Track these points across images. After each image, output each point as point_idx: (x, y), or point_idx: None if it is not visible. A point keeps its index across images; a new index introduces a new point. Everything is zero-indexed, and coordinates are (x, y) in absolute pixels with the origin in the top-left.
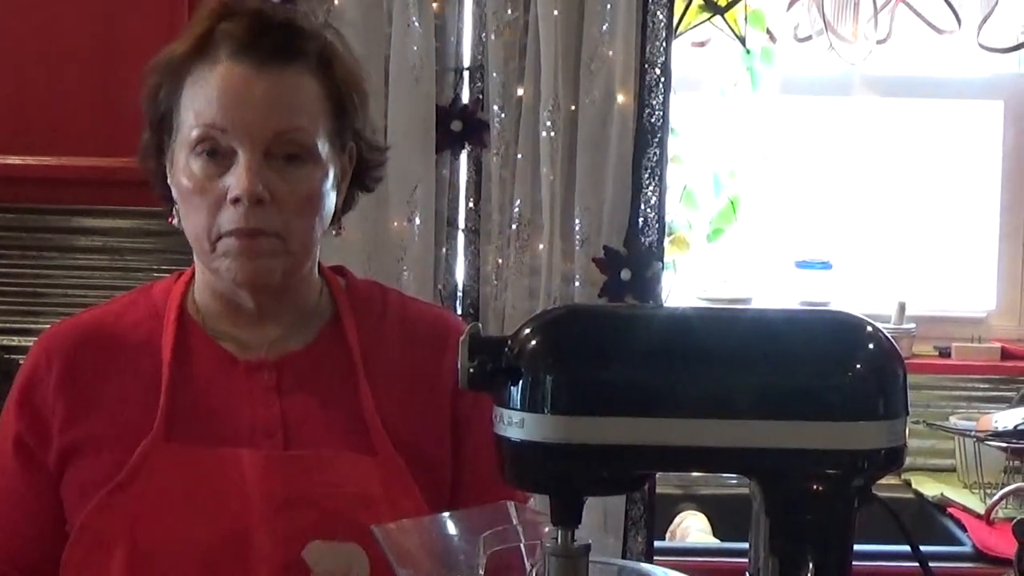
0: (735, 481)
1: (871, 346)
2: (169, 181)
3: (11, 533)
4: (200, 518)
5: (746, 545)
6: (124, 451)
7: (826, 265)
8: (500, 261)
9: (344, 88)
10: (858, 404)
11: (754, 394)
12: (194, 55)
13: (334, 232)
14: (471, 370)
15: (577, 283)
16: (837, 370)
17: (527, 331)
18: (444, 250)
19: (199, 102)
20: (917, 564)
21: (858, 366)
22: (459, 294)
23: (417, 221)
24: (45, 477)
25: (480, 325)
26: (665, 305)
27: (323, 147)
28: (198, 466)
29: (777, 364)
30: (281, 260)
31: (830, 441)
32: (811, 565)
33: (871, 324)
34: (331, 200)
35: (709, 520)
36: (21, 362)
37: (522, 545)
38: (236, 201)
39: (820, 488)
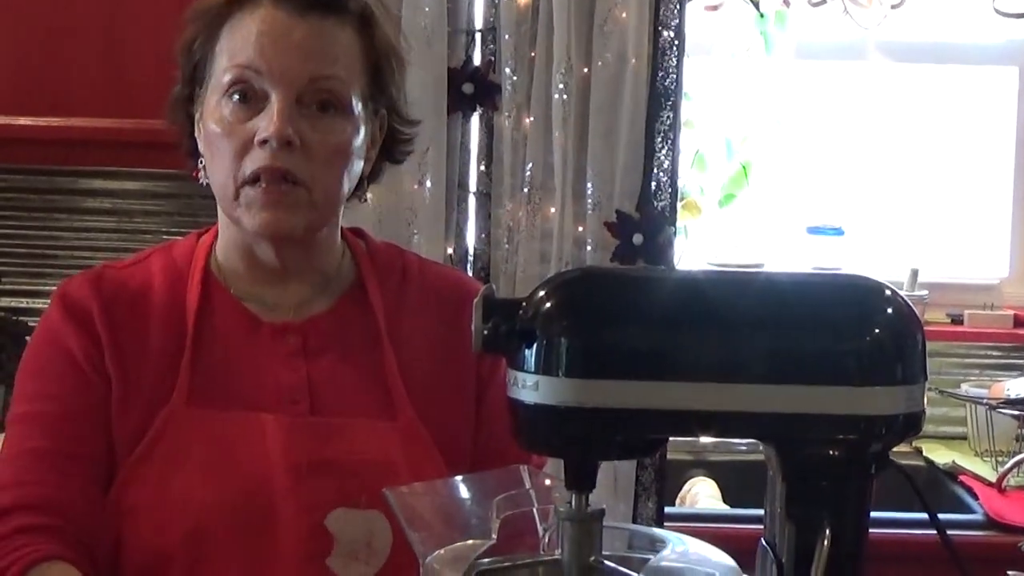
0: (745, 448)
1: (889, 310)
2: (197, 135)
3: (91, 453)
4: (223, 484)
5: (756, 512)
6: (148, 414)
7: (838, 231)
8: (511, 225)
9: (382, 51)
10: (876, 369)
11: (770, 358)
12: (233, 3)
13: (360, 199)
14: (485, 332)
15: (589, 247)
16: (854, 334)
17: (542, 293)
18: (455, 213)
19: (235, 44)
20: (930, 531)
21: (876, 330)
22: (470, 258)
23: (428, 184)
24: (99, 397)
25: (494, 287)
26: (680, 268)
27: (356, 104)
28: (221, 431)
29: (793, 328)
30: (304, 212)
31: (847, 406)
32: (828, 531)
33: (889, 287)
34: (359, 161)
35: (719, 486)
36: (31, 324)
37: (535, 509)
38: (264, 143)
39: (837, 454)
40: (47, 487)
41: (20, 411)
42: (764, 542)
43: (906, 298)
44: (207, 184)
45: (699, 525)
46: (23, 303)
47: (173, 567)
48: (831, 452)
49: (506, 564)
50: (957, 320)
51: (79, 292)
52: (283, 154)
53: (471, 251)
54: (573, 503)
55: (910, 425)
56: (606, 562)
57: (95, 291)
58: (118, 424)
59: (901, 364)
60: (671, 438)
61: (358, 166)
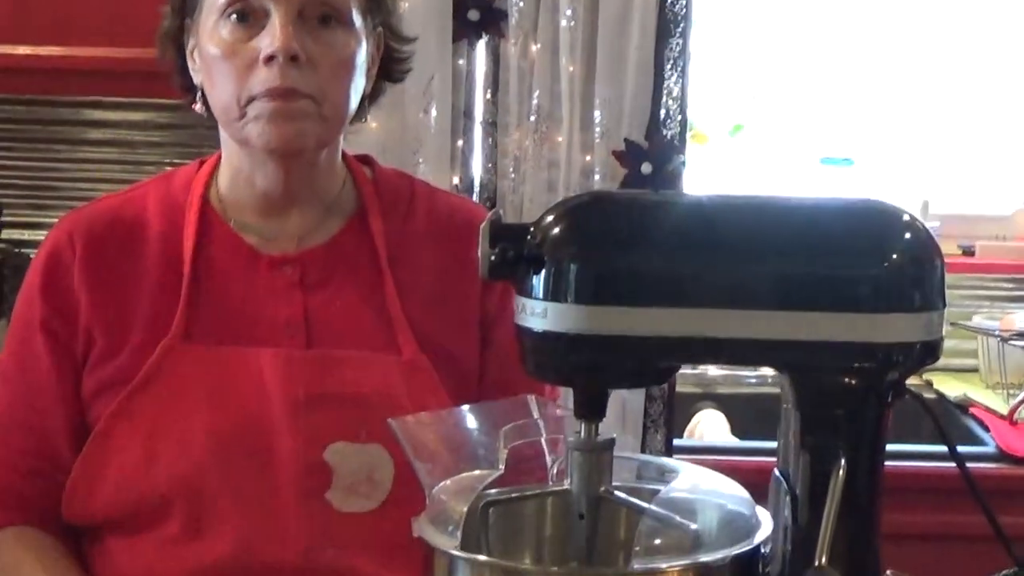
0: (754, 380)
1: (907, 235)
2: (191, 67)
3: (46, 427)
4: (220, 420)
5: (766, 444)
6: (143, 349)
7: (848, 161)
8: (518, 154)
9: None
10: (893, 295)
11: (784, 284)
12: None
13: (361, 120)
14: (492, 258)
15: (597, 176)
16: (872, 259)
17: (550, 218)
18: (461, 143)
19: None
20: (941, 464)
21: (894, 255)
22: (476, 188)
23: (433, 113)
24: (73, 364)
25: (501, 212)
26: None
27: (356, 17)
28: (218, 366)
29: (808, 252)
30: (315, 124)
31: (863, 333)
32: (843, 461)
33: (907, 213)
34: (362, 78)
35: (728, 419)
36: (32, 256)
37: (543, 439)
38: (270, 60)
39: (853, 382)
40: None
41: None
42: (778, 473)
43: (924, 223)
44: (207, 114)
45: (708, 458)
46: (25, 235)
47: (167, 507)
48: (847, 380)
49: (514, 495)
50: (969, 252)
51: (64, 240)
52: (289, 70)
53: (477, 181)
54: (582, 432)
55: (927, 353)
56: (616, 492)
57: (84, 232)
58: (103, 370)
59: (919, 290)
60: (681, 368)
61: (361, 82)
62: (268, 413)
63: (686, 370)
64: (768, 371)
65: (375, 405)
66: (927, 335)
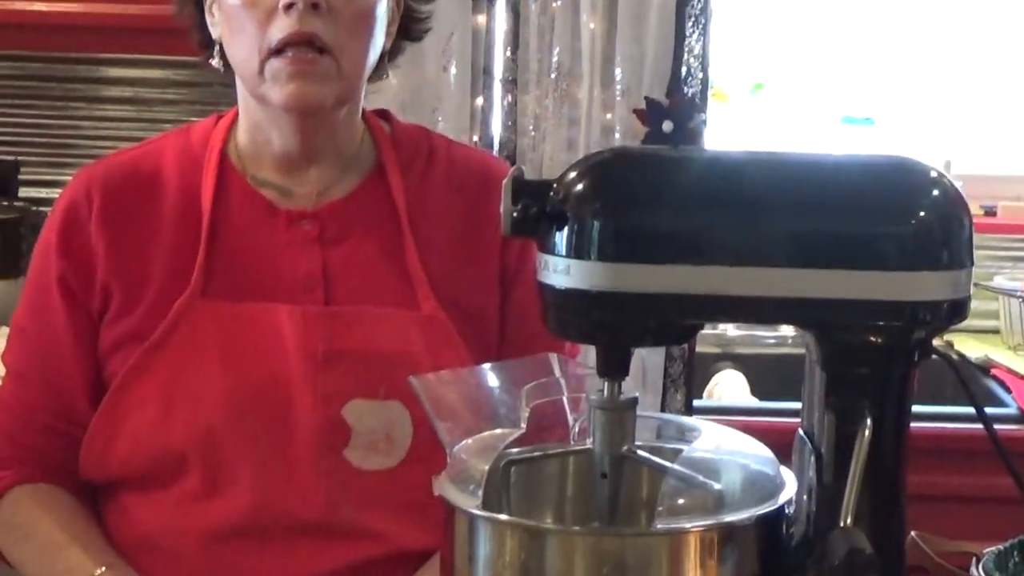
0: (773, 341)
1: (935, 192)
2: (209, 21)
3: (63, 384)
4: (237, 377)
5: (785, 404)
6: (160, 305)
7: (868, 121)
8: (538, 112)
9: None
10: (921, 253)
11: (810, 241)
12: None
13: (380, 78)
14: (514, 215)
15: (617, 134)
16: (899, 216)
17: (573, 174)
18: (480, 100)
19: None
20: (962, 425)
21: (921, 212)
22: (496, 146)
23: (453, 70)
24: (89, 320)
25: (523, 168)
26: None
27: None
28: (236, 323)
29: (834, 209)
30: (334, 84)
31: (890, 291)
32: (869, 420)
33: (934, 169)
34: (381, 33)
35: (747, 379)
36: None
37: (565, 398)
38: (289, 7)
39: (879, 341)
40: (13, 416)
41: (15, 321)
42: (802, 433)
43: (952, 180)
44: (224, 70)
45: (728, 418)
46: (43, 193)
47: (184, 464)
48: (872, 339)
49: (536, 454)
50: (990, 212)
51: (80, 194)
52: (310, 18)
53: (496, 139)
54: (605, 391)
55: (955, 312)
56: (639, 452)
57: (101, 186)
58: (120, 325)
59: (947, 248)
60: (704, 326)
61: (381, 37)
62: (286, 370)
63: (706, 330)
64: (788, 331)
65: (394, 362)
66: (954, 293)
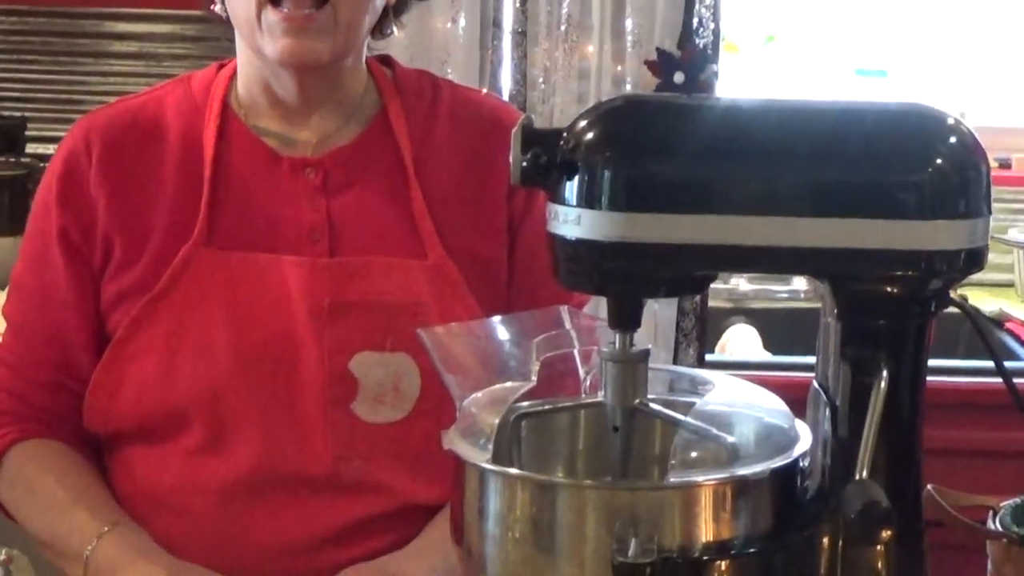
0: (786, 295)
1: (952, 139)
2: None
3: (65, 338)
4: (242, 330)
5: (798, 359)
6: (163, 256)
7: (881, 73)
8: (548, 64)
9: None
10: (937, 201)
11: (825, 190)
12: None
13: (384, 33)
14: (524, 164)
15: (628, 87)
16: (915, 164)
17: (584, 122)
18: (489, 52)
19: None
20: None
21: (938, 160)
22: (505, 99)
23: (462, 22)
24: (91, 273)
25: (533, 116)
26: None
27: None
28: (240, 274)
29: (850, 157)
30: (329, 38)
31: (907, 241)
32: (885, 372)
33: (951, 116)
34: None
35: (759, 334)
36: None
37: (576, 351)
38: None
39: (895, 291)
40: (15, 371)
41: (15, 275)
42: (816, 385)
43: (968, 127)
44: (227, 17)
45: (740, 373)
46: (49, 149)
47: (188, 418)
48: (889, 290)
49: (546, 407)
50: (1005, 165)
51: (79, 144)
52: None
53: (506, 92)
54: (617, 343)
55: (972, 261)
56: (651, 405)
57: (101, 136)
58: (122, 278)
59: (964, 196)
60: (717, 276)
61: None
62: (291, 323)
63: (717, 285)
64: (800, 285)
65: (401, 313)
66: (971, 242)
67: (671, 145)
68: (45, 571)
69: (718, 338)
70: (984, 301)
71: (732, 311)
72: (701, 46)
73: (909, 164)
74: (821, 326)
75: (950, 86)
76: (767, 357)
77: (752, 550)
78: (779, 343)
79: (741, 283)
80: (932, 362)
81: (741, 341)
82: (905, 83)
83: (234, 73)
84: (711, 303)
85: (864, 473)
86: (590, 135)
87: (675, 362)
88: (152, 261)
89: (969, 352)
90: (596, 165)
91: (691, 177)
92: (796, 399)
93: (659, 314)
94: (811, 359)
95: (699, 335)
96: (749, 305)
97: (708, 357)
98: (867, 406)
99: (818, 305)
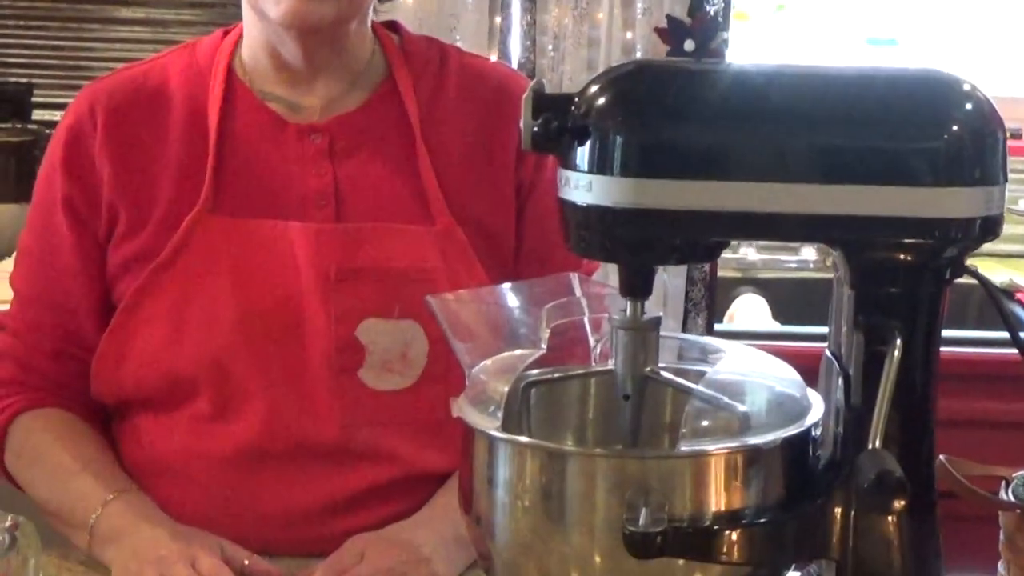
0: (795, 265)
1: (968, 105)
2: None
3: (71, 306)
4: (249, 297)
5: (808, 329)
6: (168, 223)
7: (892, 42)
8: (557, 31)
9: None
10: (953, 168)
11: (839, 156)
12: None
13: None
14: (535, 129)
15: (638, 54)
16: (930, 130)
17: (595, 87)
18: (499, 19)
19: None
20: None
21: (954, 126)
22: (514, 66)
23: None
24: (96, 241)
25: (544, 82)
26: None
27: None
28: (246, 240)
29: (864, 123)
30: (334, 1)
31: (921, 208)
32: (898, 341)
33: (967, 82)
34: None
35: (768, 303)
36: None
37: (586, 318)
38: None
39: (909, 259)
40: (21, 340)
41: (21, 243)
42: (829, 354)
43: (984, 93)
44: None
45: (749, 343)
46: (56, 116)
47: (195, 385)
48: (903, 257)
49: (556, 375)
50: (1015, 135)
51: (84, 112)
52: None
53: (515, 59)
54: (628, 311)
55: (987, 229)
56: (663, 373)
57: (105, 103)
58: (128, 245)
59: (980, 163)
60: (730, 244)
61: None
62: (298, 290)
63: (726, 254)
64: (809, 255)
65: (408, 279)
66: (987, 210)
67: (684, 110)
68: (51, 539)
69: (726, 308)
70: (993, 271)
71: (741, 281)
72: (712, 14)
73: (924, 130)
74: (834, 295)
75: (960, 56)
76: (776, 327)
77: (763, 520)
78: (788, 313)
79: (750, 253)
80: (943, 333)
81: (749, 311)
82: (915, 52)
83: (239, 39)
84: (720, 273)
85: (877, 443)
86: (602, 100)
87: (684, 332)
88: (157, 229)
89: (979, 323)
90: (608, 130)
91: (704, 143)
92: (806, 369)
93: (668, 283)
94: (821, 329)
95: (708, 305)
96: (758, 275)
97: (717, 327)
98: (880, 375)
99: (827, 275)
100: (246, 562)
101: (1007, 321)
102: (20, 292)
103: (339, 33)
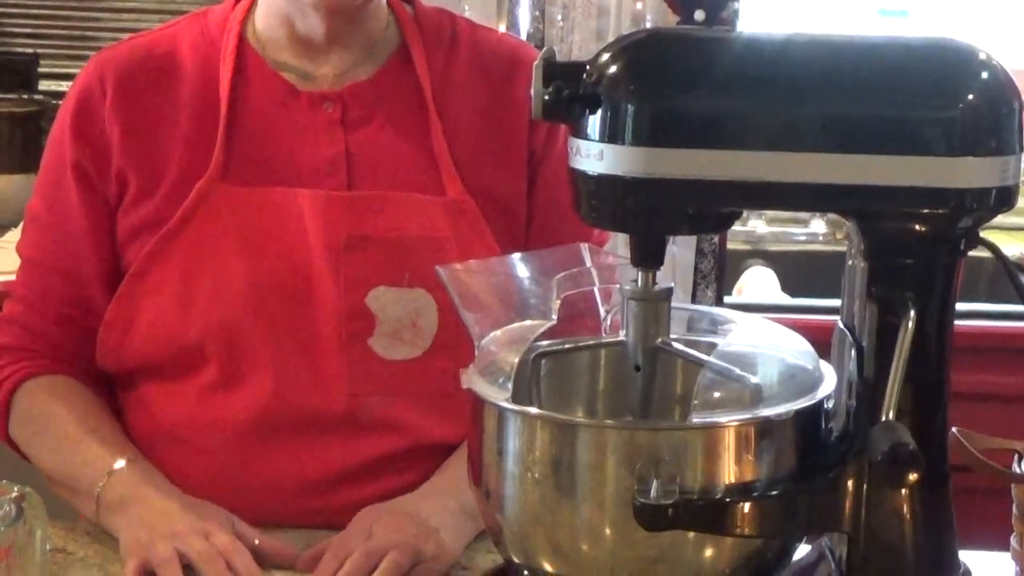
0: (804, 237)
1: (984, 74)
2: None
3: (79, 273)
4: (258, 264)
5: (816, 302)
6: (178, 191)
7: (903, 13)
8: (567, 1)
9: None
10: (968, 138)
11: (853, 125)
12: None
13: None
14: (546, 97)
15: (648, 24)
16: (945, 99)
17: (607, 56)
18: None
19: None
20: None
21: (969, 95)
22: (523, 36)
23: None
24: (105, 208)
25: (555, 50)
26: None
27: None
28: (256, 208)
29: (878, 92)
30: None
31: (936, 178)
32: (912, 312)
33: (983, 51)
34: None
35: (777, 276)
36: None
37: (596, 289)
38: None
39: (924, 229)
40: (28, 307)
41: (30, 209)
42: (842, 325)
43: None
44: None
45: (758, 315)
46: (63, 86)
47: (203, 353)
48: (917, 228)
49: (567, 346)
50: None
51: (94, 80)
52: None
53: (524, 29)
54: (639, 281)
55: (1003, 200)
56: (674, 344)
57: (115, 71)
58: (137, 212)
59: (995, 133)
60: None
61: None
62: (308, 257)
63: (735, 227)
64: (818, 228)
65: (419, 248)
66: (1002, 180)
67: (696, 79)
68: (57, 510)
69: (736, 280)
70: (1006, 244)
71: (750, 253)
72: None
73: (940, 99)
74: (847, 266)
75: (972, 27)
76: (785, 299)
77: (775, 492)
78: (797, 285)
79: (759, 225)
80: (957, 305)
81: (758, 283)
82: (926, 24)
83: (251, 7)
84: (729, 245)
85: (890, 415)
86: (613, 68)
87: (693, 303)
88: (167, 196)
89: (990, 296)
90: (619, 99)
91: (716, 111)
92: (816, 342)
93: (677, 255)
94: (831, 302)
95: (718, 277)
96: (767, 247)
97: (727, 299)
98: (893, 347)
99: (837, 248)
100: (256, 541)
101: (1021, 294)
102: (28, 258)
103: (364, 10)
